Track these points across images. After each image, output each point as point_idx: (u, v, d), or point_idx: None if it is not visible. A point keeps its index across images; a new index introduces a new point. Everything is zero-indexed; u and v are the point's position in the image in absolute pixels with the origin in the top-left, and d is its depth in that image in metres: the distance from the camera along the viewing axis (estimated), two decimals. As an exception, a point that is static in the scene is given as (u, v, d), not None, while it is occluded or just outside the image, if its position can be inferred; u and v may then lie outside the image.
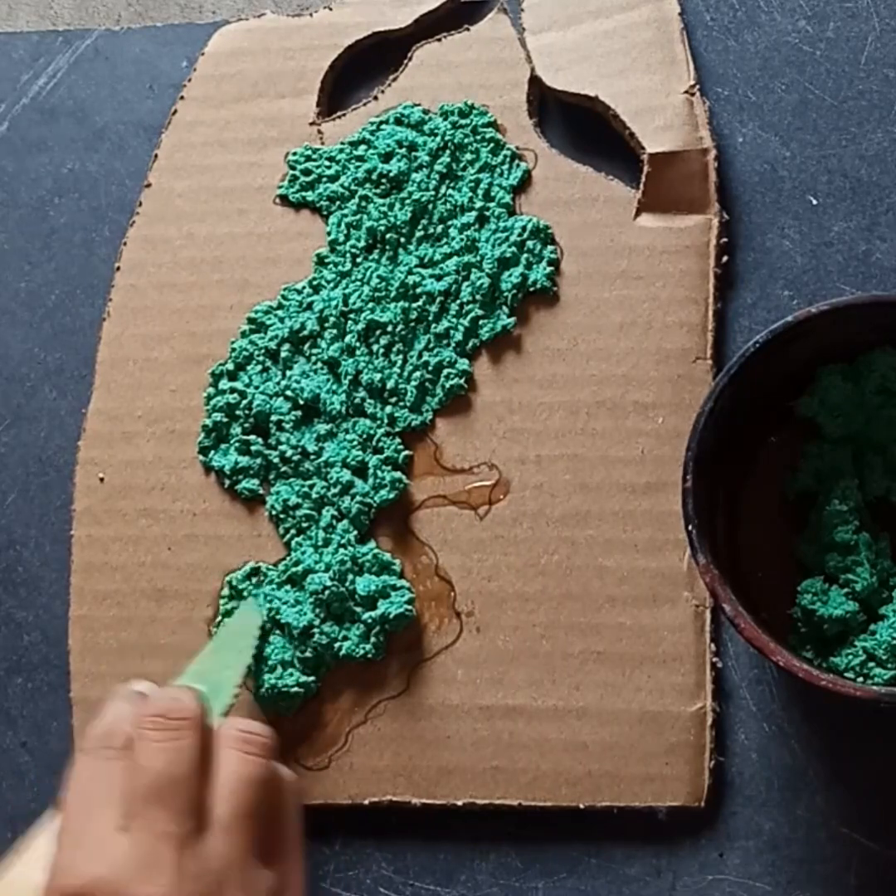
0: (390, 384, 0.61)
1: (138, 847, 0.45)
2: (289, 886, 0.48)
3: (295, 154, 0.64)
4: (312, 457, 0.61)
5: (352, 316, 0.62)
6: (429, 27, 0.65)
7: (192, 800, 0.46)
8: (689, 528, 0.51)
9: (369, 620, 0.58)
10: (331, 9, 0.66)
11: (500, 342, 0.61)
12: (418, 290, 0.61)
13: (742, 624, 0.50)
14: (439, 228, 0.62)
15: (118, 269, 0.65)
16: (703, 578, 0.51)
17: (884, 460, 0.56)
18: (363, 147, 0.64)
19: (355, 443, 0.60)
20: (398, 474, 0.60)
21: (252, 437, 0.61)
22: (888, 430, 0.56)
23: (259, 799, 0.48)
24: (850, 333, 0.55)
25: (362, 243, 0.62)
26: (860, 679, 0.53)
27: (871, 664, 0.53)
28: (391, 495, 0.60)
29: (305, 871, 0.50)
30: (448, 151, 0.63)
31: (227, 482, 0.61)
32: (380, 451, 0.60)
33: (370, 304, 0.61)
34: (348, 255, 0.62)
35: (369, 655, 0.59)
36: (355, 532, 0.60)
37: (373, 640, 0.59)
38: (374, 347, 0.61)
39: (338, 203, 0.63)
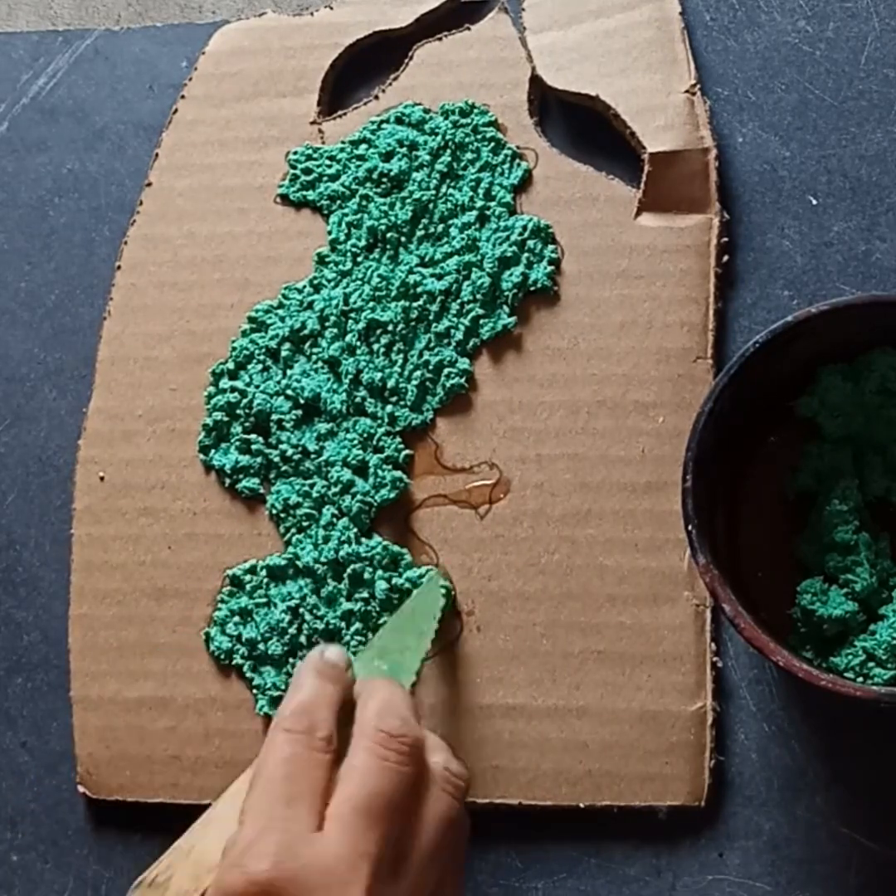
0: (391, 383, 0.61)
1: (337, 857, 0.43)
2: None
3: (296, 153, 0.64)
4: (313, 456, 0.61)
5: (352, 315, 0.62)
6: (429, 26, 0.65)
7: (398, 829, 0.45)
8: (689, 528, 0.51)
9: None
10: (331, 8, 0.66)
11: (501, 341, 0.61)
12: (419, 290, 0.61)
13: (742, 624, 0.50)
14: (440, 228, 0.62)
15: (119, 268, 0.65)
16: (702, 578, 0.51)
17: (884, 460, 0.56)
18: (364, 146, 0.64)
19: (356, 442, 0.60)
20: (399, 473, 0.60)
21: (252, 436, 0.61)
22: (888, 430, 0.56)
23: (451, 841, 0.47)
24: (850, 333, 0.55)
25: (363, 242, 0.62)
26: (860, 679, 0.53)
27: (871, 664, 0.53)
28: (392, 494, 0.60)
29: None
30: (449, 151, 0.63)
31: (228, 481, 0.61)
32: (380, 450, 0.60)
33: (371, 304, 0.62)
34: (349, 254, 0.62)
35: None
36: (355, 530, 0.60)
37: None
38: (375, 347, 0.61)
39: (338, 202, 0.63)
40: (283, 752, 0.46)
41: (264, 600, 0.60)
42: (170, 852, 0.44)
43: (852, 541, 0.54)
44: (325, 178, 0.64)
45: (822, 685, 0.49)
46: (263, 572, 0.60)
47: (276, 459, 0.61)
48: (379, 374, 0.61)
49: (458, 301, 0.61)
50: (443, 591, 0.59)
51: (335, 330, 0.62)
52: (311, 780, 0.45)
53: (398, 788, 0.45)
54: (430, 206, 0.62)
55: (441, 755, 0.48)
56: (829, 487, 0.56)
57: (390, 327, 0.61)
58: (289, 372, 0.62)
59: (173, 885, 0.43)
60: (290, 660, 0.59)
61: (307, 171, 0.64)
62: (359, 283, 0.62)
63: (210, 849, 0.44)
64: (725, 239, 0.61)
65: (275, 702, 0.59)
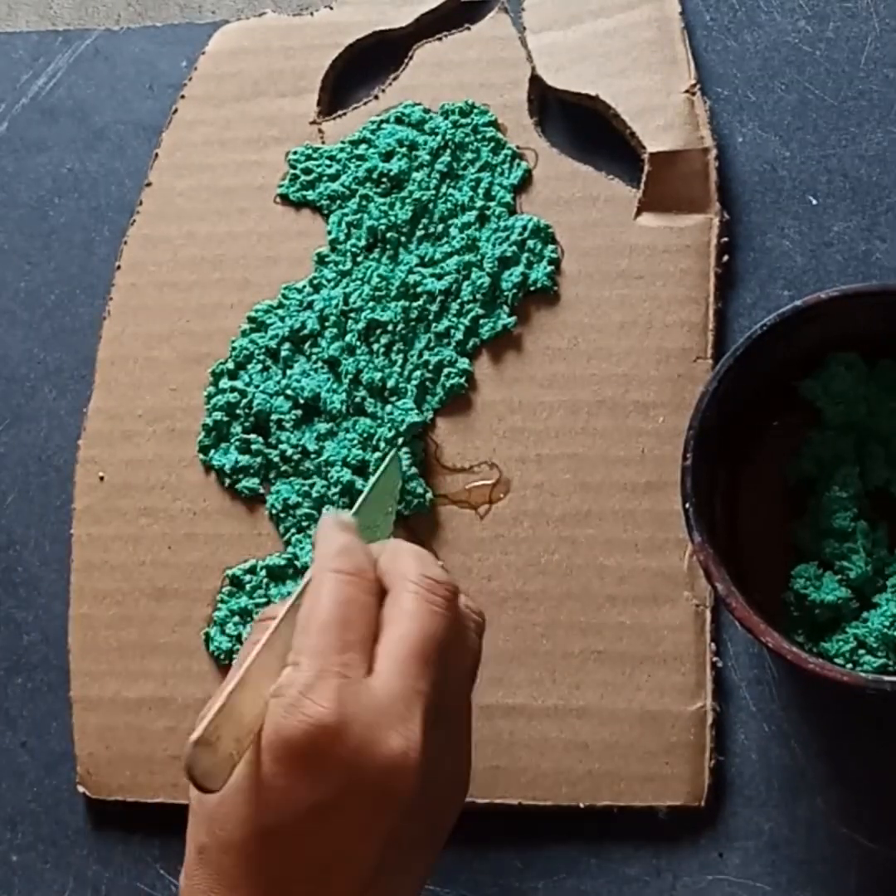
0: (391, 383, 0.61)
1: (393, 697, 0.43)
2: (467, 759, 0.48)
3: (295, 153, 0.64)
4: (313, 456, 0.61)
5: (352, 315, 0.62)
6: (429, 26, 0.65)
7: (444, 671, 0.45)
8: (687, 505, 0.51)
9: None
10: (331, 8, 0.66)
11: (501, 341, 0.61)
12: (419, 290, 0.61)
13: (733, 603, 0.50)
14: (440, 227, 0.62)
15: (118, 268, 0.65)
16: (697, 557, 0.51)
17: (886, 451, 0.56)
18: (364, 146, 0.64)
19: (355, 442, 0.60)
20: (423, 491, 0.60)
21: (252, 436, 0.61)
22: (892, 422, 0.56)
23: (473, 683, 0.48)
24: (859, 322, 0.54)
25: (363, 242, 0.62)
26: (849, 666, 0.53)
27: (862, 651, 0.54)
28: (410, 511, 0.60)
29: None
30: (449, 150, 0.63)
31: (228, 481, 0.61)
32: (379, 450, 0.60)
33: (371, 304, 0.62)
34: (349, 254, 0.62)
35: None
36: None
37: None
38: (375, 346, 0.61)
39: (338, 202, 0.63)
40: (337, 592, 0.45)
41: (264, 600, 0.60)
42: (216, 709, 0.43)
43: (850, 528, 0.55)
44: (325, 178, 0.64)
45: (809, 668, 0.49)
46: (263, 572, 0.60)
47: (276, 459, 0.61)
48: (379, 374, 0.61)
49: (458, 301, 0.61)
50: (400, 471, 0.59)
51: (335, 330, 0.62)
52: (364, 621, 0.45)
53: (447, 633, 0.46)
54: (430, 206, 0.62)
55: (461, 597, 0.48)
56: (829, 474, 0.56)
57: (390, 327, 0.61)
58: (289, 372, 0.62)
59: (221, 745, 0.43)
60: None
61: (307, 171, 0.64)
62: (359, 283, 0.62)
63: (248, 709, 0.44)
64: (725, 239, 0.61)
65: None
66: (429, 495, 0.60)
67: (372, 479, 0.58)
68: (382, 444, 0.60)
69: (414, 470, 0.60)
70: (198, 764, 0.42)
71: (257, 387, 0.62)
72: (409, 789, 0.43)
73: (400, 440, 0.60)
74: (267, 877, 0.44)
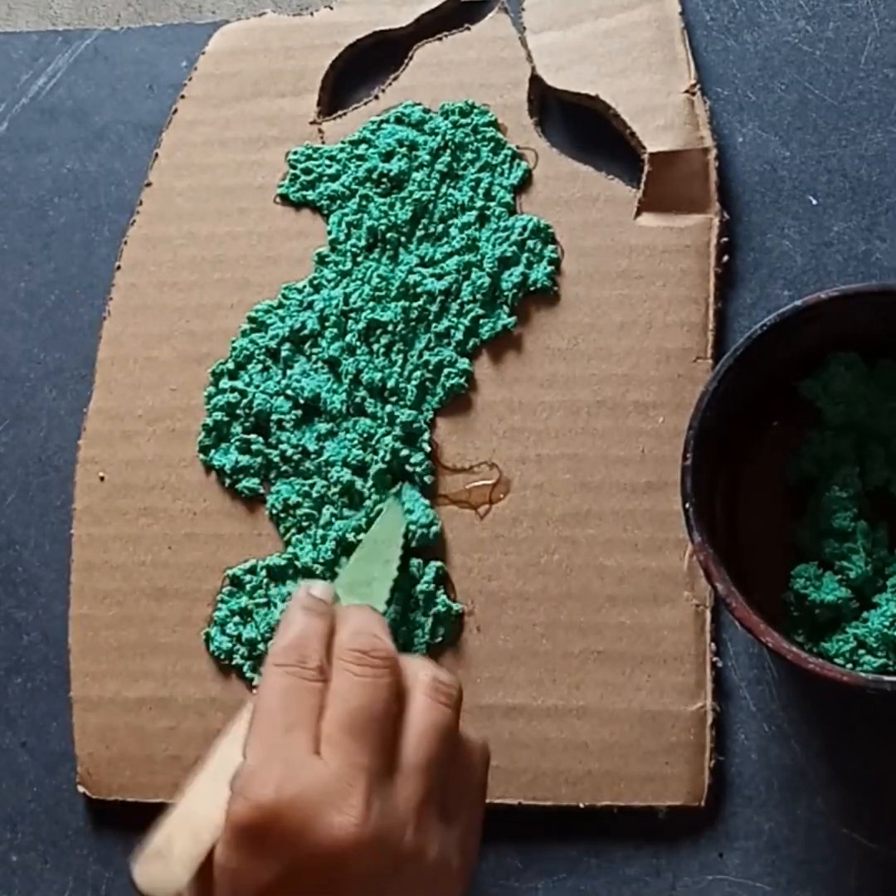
0: (391, 383, 0.61)
1: (333, 774, 0.44)
2: (464, 847, 0.48)
3: (295, 153, 0.64)
4: (313, 456, 0.61)
5: (352, 315, 0.62)
6: (429, 26, 0.65)
7: (386, 740, 0.46)
8: (687, 505, 0.51)
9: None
10: (331, 8, 0.66)
11: (501, 341, 0.61)
12: (419, 290, 0.61)
13: (733, 603, 0.50)
14: (440, 228, 0.62)
15: (118, 268, 0.65)
16: (697, 557, 0.51)
17: (886, 451, 0.56)
18: (364, 146, 0.64)
19: (356, 442, 0.60)
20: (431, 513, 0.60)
21: (252, 436, 0.61)
22: (892, 422, 0.56)
23: (446, 749, 0.48)
24: (859, 322, 0.54)
25: (363, 242, 0.62)
26: (849, 666, 0.53)
27: (862, 651, 0.54)
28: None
29: (480, 836, 0.50)
30: (449, 151, 0.63)
31: (228, 481, 0.61)
32: (379, 451, 0.60)
33: (371, 304, 0.62)
34: (349, 254, 0.62)
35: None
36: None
37: None
38: (375, 347, 0.61)
39: (338, 202, 0.63)
40: (278, 684, 0.47)
41: (264, 600, 0.60)
42: (166, 823, 0.45)
43: (850, 528, 0.55)
44: (325, 178, 0.64)
45: (809, 668, 0.49)
46: (263, 572, 0.60)
47: (276, 459, 0.61)
48: (379, 374, 0.61)
49: (458, 301, 0.61)
50: (404, 516, 0.59)
51: (335, 330, 0.62)
52: (305, 707, 0.46)
53: (378, 700, 0.46)
54: (430, 206, 0.62)
55: (428, 669, 0.49)
56: (829, 474, 0.56)
57: (390, 327, 0.61)
58: (289, 372, 0.62)
59: (176, 851, 0.44)
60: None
61: (307, 171, 0.64)
62: (359, 283, 0.62)
63: (205, 808, 0.45)
64: (725, 239, 0.61)
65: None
66: (435, 529, 0.60)
67: (369, 531, 0.58)
68: (383, 443, 0.60)
69: (424, 501, 0.60)
70: (145, 874, 0.44)
71: (257, 387, 0.62)
72: (363, 865, 0.44)
73: (401, 484, 0.60)
74: None
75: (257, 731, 0.46)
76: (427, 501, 0.60)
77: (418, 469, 0.60)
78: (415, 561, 0.59)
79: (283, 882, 0.44)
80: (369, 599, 0.54)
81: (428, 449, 0.60)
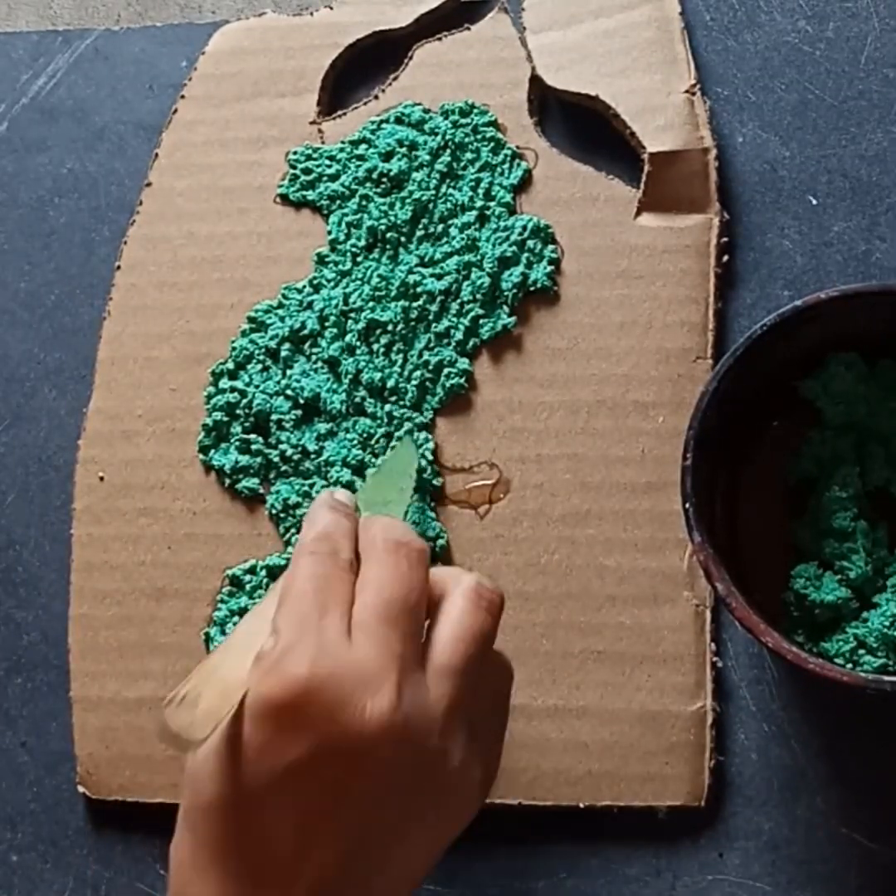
0: (391, 383, 0.61)
1: (368, 658, 0.44)
2: (486, 760, 0.48)
3: (295, 153, 0.64)
4: (313, 456, 0.61)
5: (352, 315, 0.62)
6: (429, 26, 0.65)
7: (420, 633, 0.46)
8: (687, 505, 0.51)
9: None
10: (331, 8, 0.66)
11: (501, 341, 0.61)
12: (419, 290, 0.61)
13: (733, 603, 0.50)
14: (440, 228, 0.62)
15: (118, 268, 0.65)
16: (697, 557, 0.51)
17: (886, 451, 0.56)
18: (364, 146, 0.64)
19: (355, 442, 0.60)
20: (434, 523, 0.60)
21: (252, 436, 0.61)
22: (892, 422, 0.56)
23: (480, 656, 0.47)
24: (859, 322, 0.54)
25: (363, 242, 0.62)
26: (849, 666, 0.53)
27: (862, 651, 0.54)
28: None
29: (501, 753, 0.50)
30: (449, 150, 0.63)
31: (228, 481, 0.61)
32: (378, 454, 0.60)
33: (370, 304, 0.62)
34: (349, 254, 0.62)
35: None
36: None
37: None
38: (375, 346, 0.61)
39: (338, 202, 0.63)
40: (311, 568, 0.47)
41: (264, 600, 0.60)
42: (195, 673, 0.45)
43: (850, 528, 0.55)
44: (324, 178, 0.64)
45: (809, 668, 0.49)
46: (263, 572, 0.60)
47: (276, 459, 0.61)
48: (379, 374, 0.61)
49: (458, 301, 0.61)
50: (416, 452, 0.59)
51: (335, 330, 0.62)
52: (340, 592, 0.46)
53: (414, 591, 0.46)
54: (430, 206, 0.62)
55: (472, 574, 0.49)
56: (829, 474, 0.56)
57: (390, 327, 0.61)
58: (288, 372, 0.62)
59: (202, 703, 0.43)
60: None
61: (307, 171, 0.64)
62: (359, 283, 0.62)
63: (236, 667, 0.45)
64: (725, 239, 0.61)
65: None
66: (441, 542, 0.60)
67: (381, 463, 0.58)
68: (382, 445, 0.60)
69: (431, 514, 0.60)
70: (175, 718, 0.43)
71: (257, 387, 0.62)
72: (387, 752, 0.43)
73: (412, 427, 0.60)
74: (247, 838, 0.44)
75: (290, 609, 0.45)
76: (433, 514, 0.60)
77: (423, 475, 0.60)
78: None
79: (308, 761, 0.43)
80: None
81: (431, 455, 0.60)
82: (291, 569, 0.47)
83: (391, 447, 0.60)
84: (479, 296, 0.61)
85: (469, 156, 0.63)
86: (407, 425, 0.60)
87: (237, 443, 0.61)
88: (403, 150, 0.63)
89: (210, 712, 0.43)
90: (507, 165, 0.62)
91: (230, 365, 0.62)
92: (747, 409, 0.56)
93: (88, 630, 0.61)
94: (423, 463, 0.60)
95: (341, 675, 0.43)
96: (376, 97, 0.65)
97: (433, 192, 0.62)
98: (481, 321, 0.61)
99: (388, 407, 0.61)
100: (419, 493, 0.60)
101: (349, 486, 0.60)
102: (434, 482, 0.60)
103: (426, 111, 0.64)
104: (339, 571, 0.47)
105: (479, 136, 0.63)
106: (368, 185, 0.63)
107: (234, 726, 0.44)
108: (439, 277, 0.61)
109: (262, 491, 0.61)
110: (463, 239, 0.62)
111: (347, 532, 0.49)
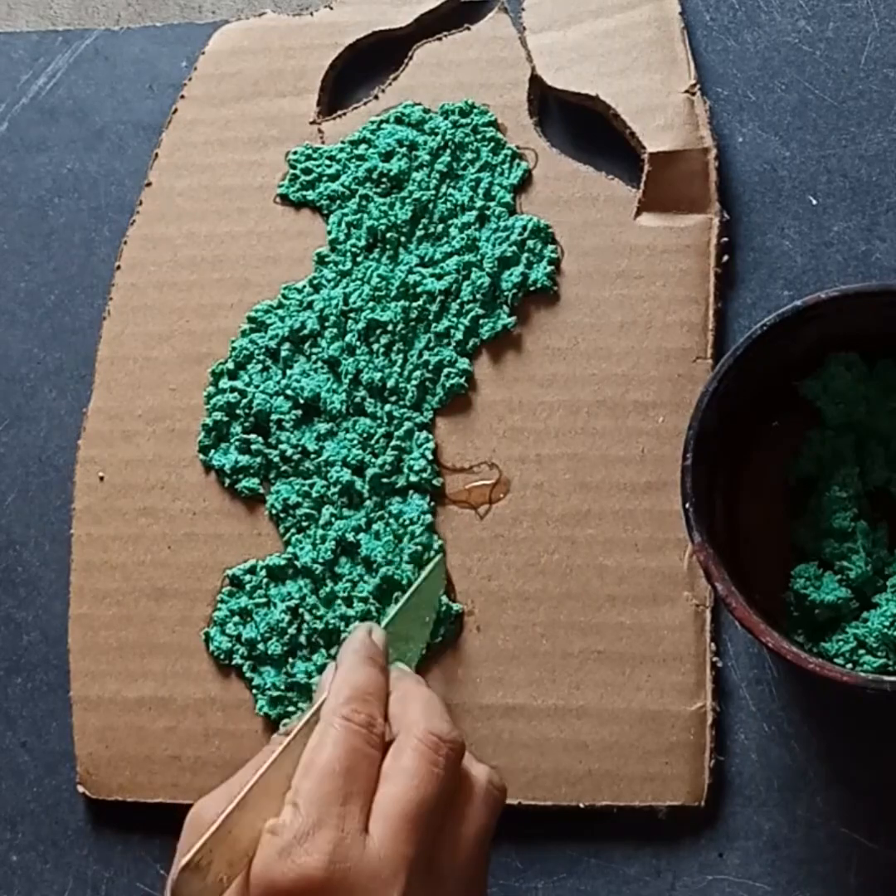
0: (391, 383, 0.61)
1: (381, 861, 0.43)
2: None
3: (295, 153, 0.64)
4: (312, 456, 0.61)
5: (352, 315, 0.62)
6: (429, 26, 0.65)
7: (436, 834, 0.45)
8: (687, 505, 0.51)
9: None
10: (331, 8, 0.66)
11: (501, 341, 0.61)
12: (419, 290, 0.61)
13: (733, 603, 0.50)
14: (440, 227, 0.62)
15: (118, 268, 0.65)
16: (696, 557, 0.51)
17: (886, 451, 0.56)
18: (364, 146, 0.64)
19: (355, 442, 0.60)
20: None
21: (252, 436, 0.61)
22: (892, 422, 0.56)
23: (487, 855, 0.47)
24: (859, 323, 0.54)
25: (363, 242, 0.62)
26: (849, 666, 0.53)
27: (862, 651, 0.54)
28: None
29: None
30: (448, 150, 0.63)
31: (228, 481, 0.61)
32: (378, 453, 0.60)
33: (370, 304, 0.62)
34: (349, 254, 0.62)
35: None
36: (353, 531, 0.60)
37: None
38: (375, 346, 0.61)
39: (338, 202, 0.63)
40: (345, 742, 0.45)
41: (264, 600, 0.60)
42: (210, 833, 0.44)
43: (850, 528, 0.55)
44: (324, 178, 0.64)
45: (809, 668, 0.49)
46: (263, 572, 0.60)
47: (276, 459, 0.61)
48: (379, 374, 0.61)
49: (458, 301, 0.61)
50: (444, 573, 0.59)
51: (335, 330, 0.62)
52: (366, 776, 0.45)
53: (442, 796, 0.45)
54: (430, 206, 0.62)
55: (484, 768, 0.48)
56: (829, 474, 0.56)
57: (390, 327, 0.61)
58: (288, 372, 0.62)
59: (212, 869, 0.43)
60: (290, 660, 0.59)
61: (307, 171, 0.64)
62: (359, 283, 0.62)
63: (248, 829, 0.44)
64: (725, 239, 0.61)
65: (274, 702, 0.59)
66: (436, 557, 0.60)
67: (414, 586, 0.58)
68: (382, 445, 0.60)
69: (441, 579, 0.59)
70: (187, 886, 0.42)
71: (257, 387, 0.62)
72: None
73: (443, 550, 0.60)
74: None
75: (314, 786, 0.44)
76: (432, 520, 0.60)
77: (424, 475, 0.60)
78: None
79: None
80: (404, 659, 0.54)
81: (431, 455, 0.60)
82: (321, 731, 0.46)
83: (426, 565, 0.59)
84: (479, 296, 0.61)
85: (469, 156, 0.63)
86: (407, 425, 0.60)
87: (237, 443, 0.61)
88: (403, 150, 0.63)
89: (219, 880, 0.43)
90: (506, 165, 0.62)
91: (230, 365, 0.62)
92: (747, 409, 0.56)
93: (88, 630, 0.61)
94: (424, 463, 0.60)
95: (354, 876, 0.43)
96: (376, 97, 0.65)
97: (433, 192, 0.62)
98: (481, 321, 0.61)
99: (388, 407, 0.61)
100: (420, 494, 0.60)
101: (349, 486, 0.60)
102: (434, 482, 0.60)
103: (426, 111, 0.64)
104: (370, 749, 0.46)
105: (478, 136, 0.63)
106: (368, 185, 0.63)
107: (241, 894, 0.44)
108: (439, 277, 0.61)
109: (262, 491, 0.61)
110: (463, 239, 0.62)
111: (382, 692, 0.48)
